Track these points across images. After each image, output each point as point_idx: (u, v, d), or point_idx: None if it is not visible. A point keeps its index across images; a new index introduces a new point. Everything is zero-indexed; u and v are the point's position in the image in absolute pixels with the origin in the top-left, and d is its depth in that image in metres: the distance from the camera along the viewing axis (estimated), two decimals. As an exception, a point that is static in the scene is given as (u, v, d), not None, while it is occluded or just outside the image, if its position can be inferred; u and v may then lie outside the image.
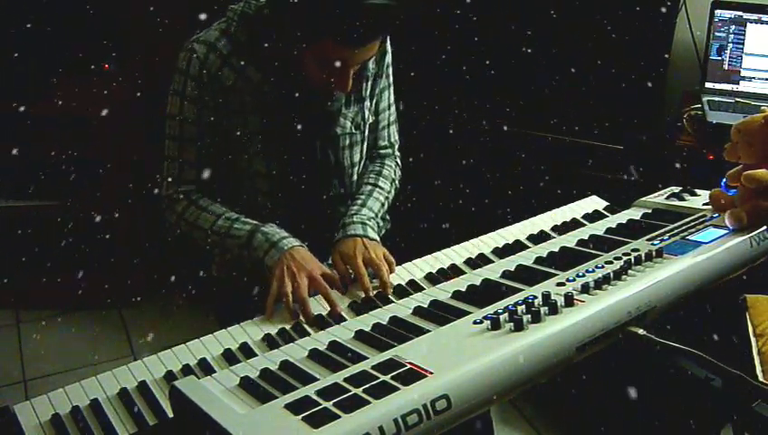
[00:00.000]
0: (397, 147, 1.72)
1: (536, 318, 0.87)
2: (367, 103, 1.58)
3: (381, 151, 1.70)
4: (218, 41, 1.44)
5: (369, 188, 1.62)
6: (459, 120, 2.42)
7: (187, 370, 1.10)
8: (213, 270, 1.66)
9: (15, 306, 2.89)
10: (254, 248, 1.38)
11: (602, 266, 1.01)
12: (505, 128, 2.39)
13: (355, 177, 1.62)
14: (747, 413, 0.81)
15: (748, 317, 1.27)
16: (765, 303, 1.27)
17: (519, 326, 0.86)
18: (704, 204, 1.25)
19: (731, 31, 2.37)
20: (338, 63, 1.35)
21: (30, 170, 2.69)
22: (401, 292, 1.29)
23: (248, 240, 1.40)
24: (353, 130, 1.56)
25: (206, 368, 1.11)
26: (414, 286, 1.30)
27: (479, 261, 1.36)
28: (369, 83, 1.58)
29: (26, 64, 2.62)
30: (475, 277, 1.19)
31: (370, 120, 1.62)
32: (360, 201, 1.57)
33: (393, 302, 1.20)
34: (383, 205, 1.61)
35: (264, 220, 1.49)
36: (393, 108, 1.68)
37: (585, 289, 0.94)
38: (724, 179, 1.04)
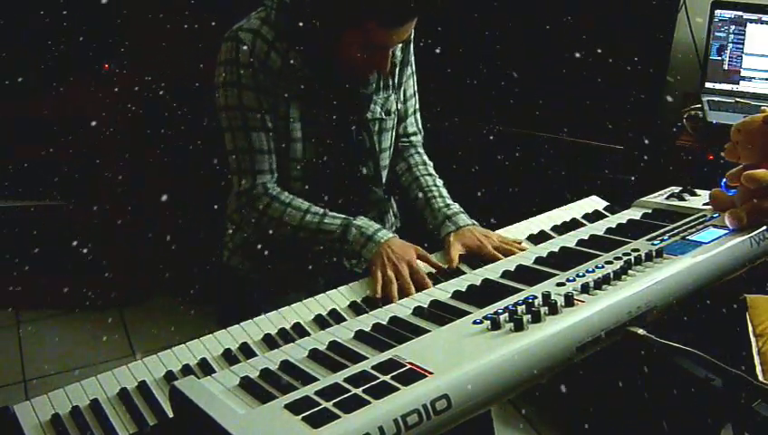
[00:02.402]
0: (421, 135, 1.76)
1: (536, 318, 0.87)
2: (397, 91, 1.61)
3: (413, 139, 1.73)
4: (261, 27, 1.46)
5: (431, 179, 1.65)
6: (459, 119, 2.42)
7: (186, 370, 1.10)
8: (224, 255, 1.67)
9: (15, 306, 2.90)
10: (348, 242, 1.42)
11: (602, 266, 1.02)
12: (505, 127, 2.39)
13: (385, 162, 1.64)
14: (747, 413, 0.81)
15: (748, 317, 1.27)
16: (765, 303, 1.27)
17: (519, 326, 0.86)
18: (704, 204, 1.25)
19: (731, 31, 2.37)
20: (378, 45, 1.38)
21: (30, 170, 2.69)
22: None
23: (342, 235, 1.43)
24: (383, 116, 1.59)
25: (206, 368, 1.10)
26: (414, 286, 1.30)
27: (479, 261, 1.36)
28: (397, 71, 1.60)
29: (26, 64, 2.62)
30: (475, 277, 1.19)
31: (399, 108, 1.64)
32: (436, 192, 1.61)
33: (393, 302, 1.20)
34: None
35: None
36: (416, 96, 1.71)
37: (585, 289, 0.94)
38: (724, 179, 1.04)
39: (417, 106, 1.72)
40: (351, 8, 1.34)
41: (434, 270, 1.35)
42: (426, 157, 1.71)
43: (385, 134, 1.61)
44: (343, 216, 1.46)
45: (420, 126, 1.74)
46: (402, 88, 1.65)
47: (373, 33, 1.35)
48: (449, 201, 1.58)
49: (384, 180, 1.66)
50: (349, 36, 1.38)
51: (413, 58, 1.65)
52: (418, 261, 1.35)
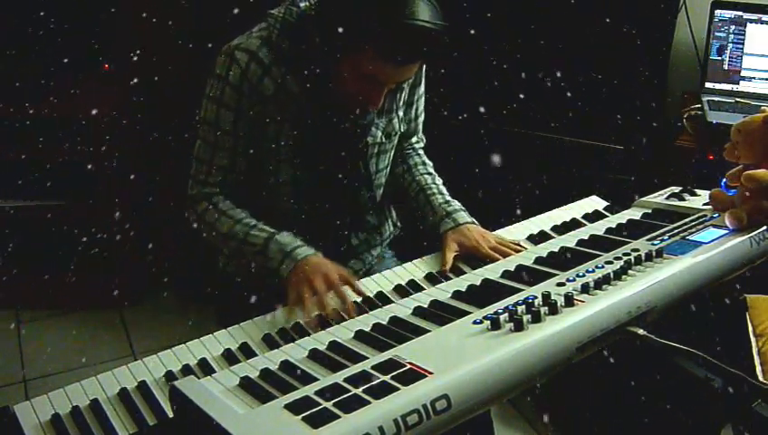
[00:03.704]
0: (423, 142, 1.75)
1: (536, 318, 0.87)
2: (400, 113, 1.58)
3: (415, 145, 1.72)
4: (259, 49, 1.42)
5: (431, 177, 1.64)
6: (459, 119, 2.42)
7: (186, 370, 1.10)
8: (219, 262, 1.66)
9: (15, 306, 2.89)
10: (268, 258, 1.38)
11: (602, 266, 1.01)
12: (505, 127, 2.40)
13: (381, 180, 1.63)
14: (747, 413, 0.81)
15: (748, 317, 1.27)
16: (765, 303, 1.27)
17: (519, 326, 0.86)
18: (704, 204, 1.25)
19: (731, 31, 2.37)
20: (373, 79, 1.34)
21: (30, 170, 2.69)
22: (401, 292, 1.29)
23: (263, 248, 1.39)
24: (383, 140, 1.56)
25: (206, 368, 1.11)
26: (414, 286, 1.30)
27: (479, 261, 1.36)
28: (404, 93, 1.58)
29: (26, 64, 2.62)
30: (475, 277, 1.19)
31: (403, 129, 1.62)
32: (436, 189, 1.60)
33: (393, 302, 1.20)
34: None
35: (286, 226, 1.48)
36: (423, 102, 1.69)
37: (585, 289, 0.94)
38: (724, 179, 1.04)
39: (423, 117, 1.71)
40: (353, 33, 1.29)
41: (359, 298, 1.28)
42: (426, 158, 1.70)
43: (383, 156, 1.59)
44: (272, 229, 1.42)
45: (422, 135, 1.73)
46: (414, 107, 1.63)
47: (371, 64, 1.31)
48: (449, 198, 1.57)
49: (378, 199, 1.65)
50: (346, 64, 1.34)
51: (424, 77, 1.63)
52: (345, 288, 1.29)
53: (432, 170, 1.67)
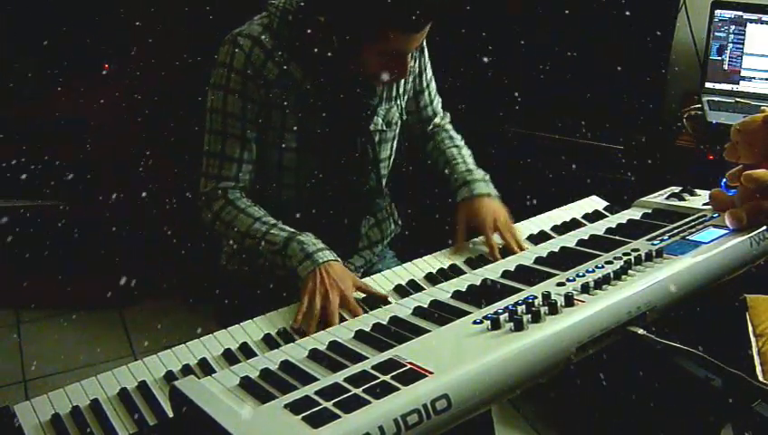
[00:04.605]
0: (442, 115, 1.75)
1: (536, 318, 0.87)
2: (400, 102, 1.59)
3: (441, 122, 1.73)
4: (262, 35, 1.44)
5: (457, 149, 1.65)
6: (459, 119, 2.42)
7: (186, 370, 1.10)
8: (222, 259, 1.66)
9: (15, 306, 2.90)
10: (288, 256, 1.36)
11: (602, 266, 1.01)
12: (505, 127, 2.39)
13: (384, 171, 1.63)
14: (747, 413, 0.81)
15: (748, 317, 1.27)
16: (765, 303, 1.27)
17: (519, 326, 0.86)
18: (704, 204, 1.25)
19: (731, 31, 2.37)
20: (398, 51, 1.36)
21: (30, 170, 2.69)
22: (401, 292, 1.29)
23: (283, 247, 1.37)
24: (384, 128, 1.57)
25: (206, 368, 1.11)
26: (414, 286, 1.30)
27: (479, 261, 1.36)
28: (406, 82, 1.59)
29: (27, 65, 2.62)
30: (475, 277, 1.19)
31: (404, 118, 1.63)
32: (460, 159, 1.61)
33: (393, 302, 1.20)
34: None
35: (289, 215, 1.48)
36: (436, 93, 1.71)
37: (585, 289, 0.94)
38: (724, 179, 1.04)
39: (436, 97, 1.72)
40: (371, 22, 1.32)
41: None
42: (453, 132, 1.71)
43: (384, 145, 1.60)
44: (291, 229, 1.41)
45: (445, 112, 1.74)
46: (425, 93, 1.65)
47: (393, 40, 1.33)
48: (472, 167, 1.58)
49: (384, 186, 1.65)
50: (367, 48, 1.36)
51: (427, 55, 1.64)
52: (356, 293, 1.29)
53: (459, 143, 1.68)
